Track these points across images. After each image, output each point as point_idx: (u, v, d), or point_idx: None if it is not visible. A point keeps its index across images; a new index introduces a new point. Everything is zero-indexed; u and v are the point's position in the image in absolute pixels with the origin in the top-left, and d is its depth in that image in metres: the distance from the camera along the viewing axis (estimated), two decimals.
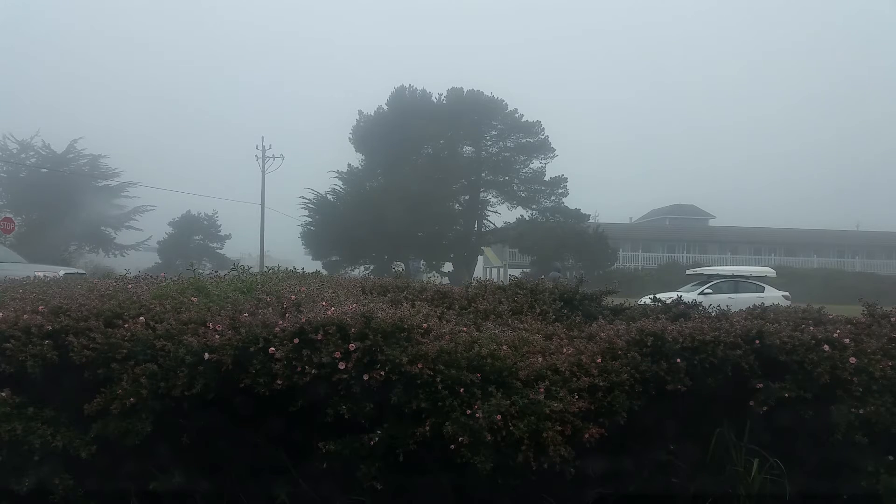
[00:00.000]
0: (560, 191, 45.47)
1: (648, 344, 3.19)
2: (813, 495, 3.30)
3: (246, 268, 5.09)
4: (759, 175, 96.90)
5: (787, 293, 21.04)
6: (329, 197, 41.42)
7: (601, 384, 3.03)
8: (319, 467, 2.96)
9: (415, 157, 43.08)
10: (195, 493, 3.13)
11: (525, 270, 43.60)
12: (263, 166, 41.20)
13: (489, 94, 44.04)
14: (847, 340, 3.38)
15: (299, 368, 2.88)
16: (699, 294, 19.14)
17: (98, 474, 3.05)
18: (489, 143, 45.51)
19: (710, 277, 22.37)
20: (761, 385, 3.19)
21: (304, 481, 3.10)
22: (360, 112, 44.74)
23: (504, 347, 3.12)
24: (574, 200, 46.88)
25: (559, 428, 2.86)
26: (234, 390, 2.93)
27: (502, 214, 47.11)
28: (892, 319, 3.83)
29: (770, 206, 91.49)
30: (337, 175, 42.59)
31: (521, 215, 45.58)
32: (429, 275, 37.37)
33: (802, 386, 3.23)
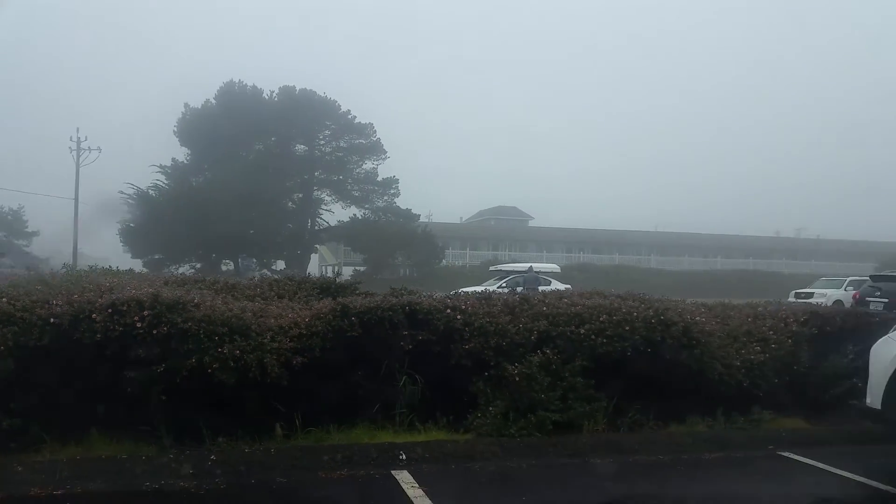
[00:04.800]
0: (392, 191, 47.83)
1: (339, 310, 5.33)
2: (441, 397, 5.63)
3: (72, 267, 6.67)
4: (577, 180, 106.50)
5: (569, 286, 24.88)
6: (151, 192, 40.23)
7: (306, 333, 5.12)
8: (125, 391, 4.75)
9: (245, 154, 43.22)
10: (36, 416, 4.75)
11: (358, 269, 45.58)
12: (78, 159, 39.48)
13: (322, 95, 45.31)
14: (463, 306, 5.77)
15: (111, 327, 4.65)
16: (497, 288, 22.29)
17: None
18: (322, 142, 46.76)
19: (507, 273, 25.89)
20: (407, 332, 5.44)
21: (115, 402, 4.86)
22: (187, 105, 43.85)
23: (248, 313, 5.10)
24: (410, 201, 49.27)
25: (276, 358, 4.89)
26: (69, 341, 4.65)
27: (336, 213, 48.50)
28: (510, 295, 6.32)
29: (584, 209, 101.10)
30: (160, 170, 41.39)
31: (355, 214, 47.40)
32: (260, 273, 38.06)
33: (433, 332, 5.54)
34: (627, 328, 5.94)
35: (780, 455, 5.83)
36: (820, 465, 5.53)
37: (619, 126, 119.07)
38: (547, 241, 62.42)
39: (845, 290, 24.85)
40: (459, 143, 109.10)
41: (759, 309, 7.41)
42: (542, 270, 26.69)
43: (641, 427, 6.06)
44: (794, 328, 6.81)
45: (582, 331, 5.93)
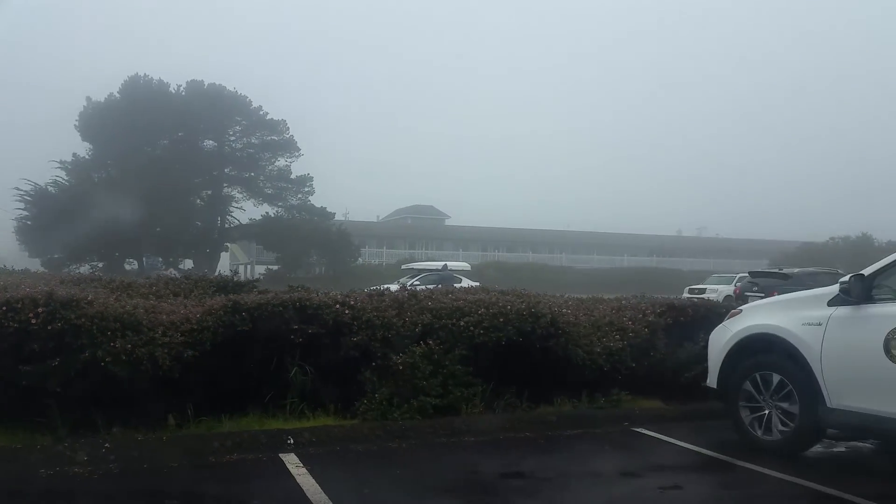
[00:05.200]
0: (306, 189, 47.57)
1: (229, 306, 5.70)
2: (330, 386, 6.10)
3: None
4: (494, 181, 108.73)
5: (478, 283, 25.82)
6: (50, 189, 38.48)
7: (197, 328, 5.47)
8: (20, 385, 4.96)
9: (150, 149, 41.91)
10: None
11: (270, 267, 45.07)
12: None
13: (232, 90, 44.53)
14: (352, 301, 6.26)
15: (6, 324, 4.86)
16: (409, 285, 22.89)
17: None
18: (233, 138, 45.96)
19: (419, 271, 26.57)
20: (297, 327, 5.88)
21: (10, 396, 5.06)
22: (89, 98, 42.19)
23: (140, 310, 5.40)
24: (327, 199, 48.98)
25: (167, 352, 5.22)
26: None
27: (248, 211, 47.76)
28: (400, 291, 6.85)
29: (501, 209, 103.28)
30: (59, 165, 39.65)
31: (268, 212, 46.81)
32: (167, 272, 37.09)
33: (323, 326, 5.99)
34: (502, 320, 6.59)
35: (634, 430, 6.63)
36: (665, 437, 6.36)
37: (535, 129, 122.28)
38: (463, 239, 63.59)
39: (734, 285, 26.95)
40: (380, 142, 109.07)
41: (623, 302, 8.26)
42: (453, 269, 27.49)
43: (515, 409, 6.71)
44: (650, 318, 7.66)
45: (462, 323, 6.53)
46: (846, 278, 5.44)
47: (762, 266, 32.21)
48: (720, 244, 66.49)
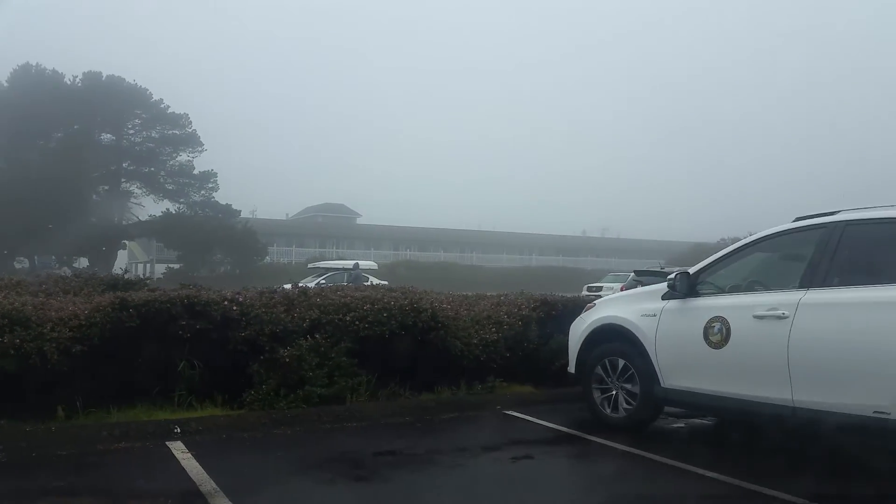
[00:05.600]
0: (210, 185, 46.54)
1: (117, 303, 5.97)
2: (219, 378, 6.46)
3: None
4: (406, 179, 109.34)
5: (386, 282, 26.34)
6: None
7: (85, 323, 5.71)
8: None
9: (43, 142, 39.90)
10: None
11: (171, 266, 43.77)
12: None
13: (132, 82, 43.03)
14: (241, 298, 6.64)
15: None
16: (315, 284, 23.07)
17: None
18: (132, 132, 44.42)
19: (326, 270, 26.77)
20: (185, 322, 6.21)
21: None
22: None
23: (28, 306, 5.60)
24: (233, 196, 47.98)
25: (55, 346, 5.45)
26: None
27: (149, 207, 46.25)
28: (292, 289, 7.28)
29: (411, 207, 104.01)
30: None
31: (169, 209, 45.46)
32: (59, 270, 35.37)
33: (211, 322, 6.35)
34: (386, 315, 7.13)
35: (504, 413, 7.34)
36: (530, 418, 7.09)
37: (450, 129, 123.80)
38: (375, 238, 63.82)
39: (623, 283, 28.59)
40: (291, 139, 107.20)
41: (502, 298, 9.00)
42: (362, 268, 27.80)
43: (398, 397, 7.28)
44: (524, 313, 8.42)
45: (348, 318, 7.03)
46: (673, 275, 6.33)
47: (654, 265, 34.22)
48: (622, 244, 69.84)
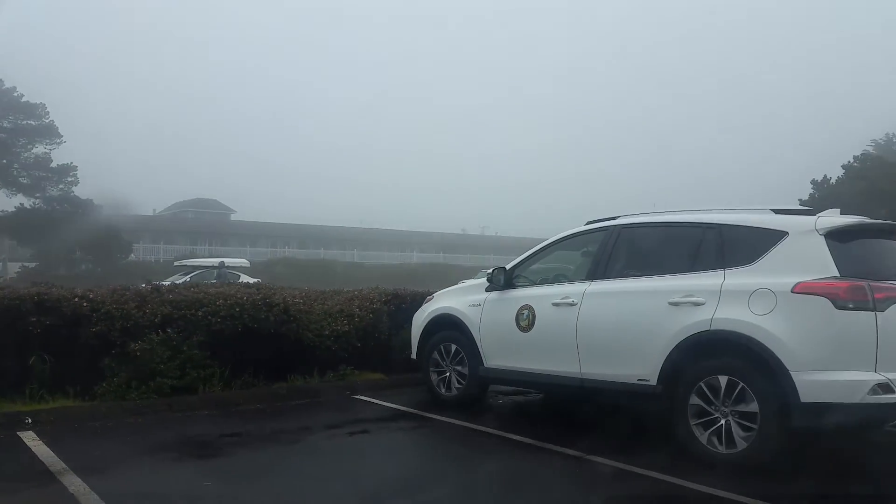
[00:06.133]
0: (69, 179, 43.81)
1: None
2: (71, 372, 6.71)
3: None
4: (285, 175, 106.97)
5: (259, 280, 26.23)
6: None
7: None
8: None
9: None
10: None
11: (26, 265, 40.77)
12: None
13: None
14: (91, 295, 6.91)
15: None
16: (182, 283, 22.64)
17: None
18: None
19: (194, 268, 26.28)
20: (35, 319, 6.43)
21: None
22: None
23: None
24: (96, 190, 45.26)
25: None
26: None
27: (1, 202, 42.86)
28: (145, 286, 7.59)
29: (291, 204, 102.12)
30: None
31: (23, 204, 42.34)
32: None
33: (61, 318, 6.60)
34: (238, 309, 7.61)
35: (353, 397, 8.04)
36: (376, 400, 7.84)
37: (328, 124, 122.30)
38: (251, 235, 62.31)
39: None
40: (160, 132, 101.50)
41: (356, 293, 9.69)
42: (232, 265, 27.50)
43: (252, 387, 7.77)
44: (376, 306, 9.15)
45: (200, 313, 7.44)
46: (490, 270, 7.30)
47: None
48: (499, 242, 72.38)
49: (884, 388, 4.76)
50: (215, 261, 27.72)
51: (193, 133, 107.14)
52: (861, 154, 37.06)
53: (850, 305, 4.83)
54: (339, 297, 9.56)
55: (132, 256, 44.73)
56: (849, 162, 35.38)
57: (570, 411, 7.55)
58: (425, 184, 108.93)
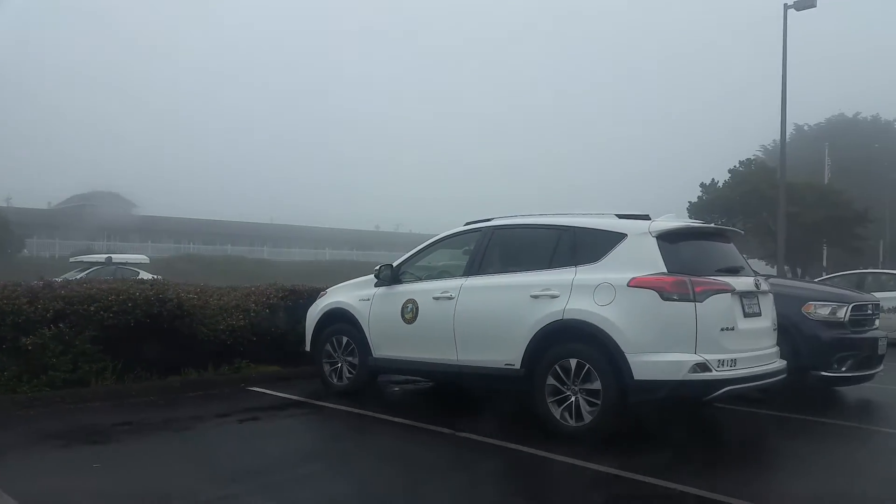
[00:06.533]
0: None
1: None
2: None
3: None
4: (192, 169, 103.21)
5: (159, 276, 25.57)
6: None
7: None
8: None
9: None
10: None
11: None
12: None
13: None
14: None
15: None
16: (76, 279, 21.86)
17: None
18: None
19: (90, 265, 25.37)
20: None
21: None
22: None
23: None
24: None
25: None
26: None
27: None
28: (36, 283, 7.65)
29: (199, 199, 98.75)
30: None
31: None
32: None
33: None
34: (131, 304, 7.79)
35: (248, 389, 8.36)
36: (269, 391, 8.20)
37: (239, 117, 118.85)
38: (154, 230, 60.14)
39: None
40: (58, 117, 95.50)
41: (253, 288, 9.99)
42: (129, 261, 26.75)
43: (145, 380, 7.95)
44: (273, 301, 9.48)
45: (92, 308, 7.57)
46: (378, 267, 7.84)
47: None
48: (412, 238, 72.63)
49: (702, 367, 5.63)
50: (103, 257, 26.85)
51: (99, 124, 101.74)
52: (747, 159, 39.91)
53: (675, 297, 5.68)
54: (237, 292, 9.82)
55: (25, 251, 42.39)
56: (734, 166, 38.04)
57: (455, 397, 8.21)
58: (341, 181, 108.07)
